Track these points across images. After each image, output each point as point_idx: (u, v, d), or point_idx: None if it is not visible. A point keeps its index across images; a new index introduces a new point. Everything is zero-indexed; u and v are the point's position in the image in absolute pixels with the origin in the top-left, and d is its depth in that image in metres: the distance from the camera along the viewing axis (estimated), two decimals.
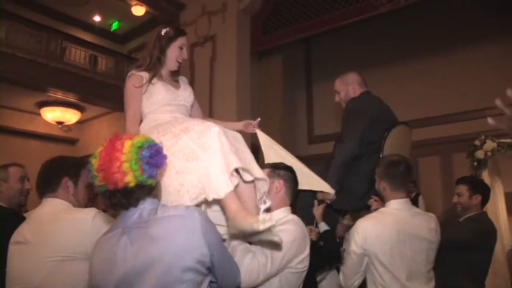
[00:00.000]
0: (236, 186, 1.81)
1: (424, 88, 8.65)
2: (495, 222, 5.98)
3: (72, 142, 10.63)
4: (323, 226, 2.72)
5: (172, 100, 2.34)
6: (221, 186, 1.75)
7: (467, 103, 8.10)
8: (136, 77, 2.33)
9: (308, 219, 2.69)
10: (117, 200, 1.39)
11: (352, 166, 2.96)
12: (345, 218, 3.11)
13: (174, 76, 2.50)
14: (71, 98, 8.70)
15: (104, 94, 8.74)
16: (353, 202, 2.99)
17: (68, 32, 9.03)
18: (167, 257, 1.32)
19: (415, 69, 8.83)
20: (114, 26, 11.38)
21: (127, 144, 1.34)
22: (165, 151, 1.50)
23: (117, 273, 1.34)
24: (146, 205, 1.43)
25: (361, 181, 2.95)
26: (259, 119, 2.69)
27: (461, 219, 2.95)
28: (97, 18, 11.04)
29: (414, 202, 3.75)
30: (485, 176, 6.17)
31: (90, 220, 1.81)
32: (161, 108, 2.30)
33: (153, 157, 1.39)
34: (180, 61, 2.45)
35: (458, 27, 8.15)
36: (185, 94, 2.44)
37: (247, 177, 1.89)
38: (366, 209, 2.84)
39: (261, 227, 1.56)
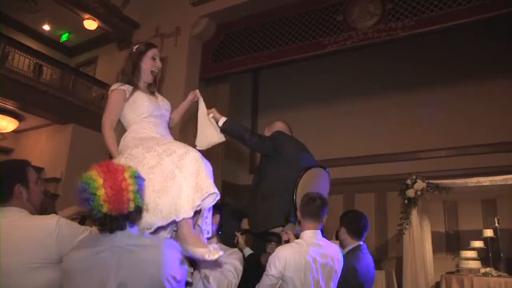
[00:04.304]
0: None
1: (363, 127, 9.06)
2: (422, 260, 6.36)
3: (6, 151, 10.09)
4: (247, 251, 2.96)
5: (156, 111, 2.51)
6: (189, 206, 1.99)
7: (403, 144, 8.57)
8: (120, 91, 2.48)
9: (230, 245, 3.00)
10: (116, 223, 1.56)
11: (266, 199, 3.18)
12: (271, 246, 3.31)
13: (150, 88, 2.65)
14: (9, 105, 8.33)
15: (46, 105, 8.45)
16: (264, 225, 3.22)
17: (13, 37, 8.75)
18: (151, 278, 1.53)
19: (357, 108, 9.24)
20: (64, 37, 11.15)
21: (127, 175, 1.56)
22: (148, 168, 1.79)
23: (101, 284, 1.49)
24: (130, 230, 1.61)
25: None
26: (197, 90, 3.03)
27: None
28: (46, 27, 10.79)
29: None
30: (415, 214, 6.52)
31: (54, 226, 1.80)
32: (146, 119, 2.46)
33: (143, 183, 1.63)
34: (156, 70, 2.63)
35: (401, 73, 8.70)
36: (164, 103, 2.64)
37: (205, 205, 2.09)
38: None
39: (212, 257, 1.84)
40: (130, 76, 2.54)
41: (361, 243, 3.10)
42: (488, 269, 6.09)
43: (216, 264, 2.07)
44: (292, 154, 3.27)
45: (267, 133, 3.50)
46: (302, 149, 3.43)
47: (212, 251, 1.87)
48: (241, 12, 7.95)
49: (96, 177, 1.51)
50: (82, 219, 2.36)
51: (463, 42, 7.87)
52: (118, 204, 1.51)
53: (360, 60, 8.61)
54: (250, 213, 3.29)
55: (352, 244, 3.07)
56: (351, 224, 3.16)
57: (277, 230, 3.11)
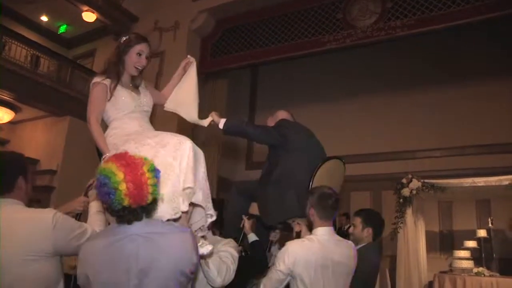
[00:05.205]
0: None
1: (359, 126, 9.07)
2: (415, 259, 6.39)
3: (1, 142, 10.08)
4: (252, 237, 2.97)
5: (137, 107, 2.49)
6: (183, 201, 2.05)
7: (399, 143, 8.59)
8: (101, 85, 2.44)
9: (234, 231, 3.03)
10: (135, 215, 1.60)
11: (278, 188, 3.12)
12: (275, 234, 3.38)
13: (135, 81, 2.60)
14: (5, 96, 8.29)
15: (43, 97, 8.41)
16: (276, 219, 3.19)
17: (10, 28, 8.67)
18: (171, 263, 1.59)
19: (354, 107, 9.25)
20: (62, 29, 11.08)
21: (146, 168, 1.59)
22: None
23: (124, 271, 1.53)
24: (146, 219, 1.66)
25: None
26: (189, 56, 2.95)
27: None
28: (44, 18, 10.71)
29: (347, 234, 3.93)
30: (409, 213, 6.54)
31: (50, 219, 1.81)
32: (127, 115, 2.45)
33: (159, 175, 1.67)
34: (139, 67, 2.54)
35: (398, 73, 8.71)
36: (146, 99, 2.59)
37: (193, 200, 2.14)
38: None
39: (202, 251, 1.93)
40: (114, 68, 2.48)
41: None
42: (480, 269, 6.14)
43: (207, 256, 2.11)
44: (300, 139, 3.21)
45: (271, 123, 3.43)
46: (309, 135, 3.38)
47: (203, 246, 1.94)
48: (240, 8, 7.93)
49: (116, 171, 1.54)
50: (76, 216, 2.37)
51: (462, 42, 7.89)
52: (138, 198, 1.55)
53: (358, 59, 8.61)
54: (263, 203, 3.20)
55: (367, 241, 3.11)
56: (381, 226, 3.22)
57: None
